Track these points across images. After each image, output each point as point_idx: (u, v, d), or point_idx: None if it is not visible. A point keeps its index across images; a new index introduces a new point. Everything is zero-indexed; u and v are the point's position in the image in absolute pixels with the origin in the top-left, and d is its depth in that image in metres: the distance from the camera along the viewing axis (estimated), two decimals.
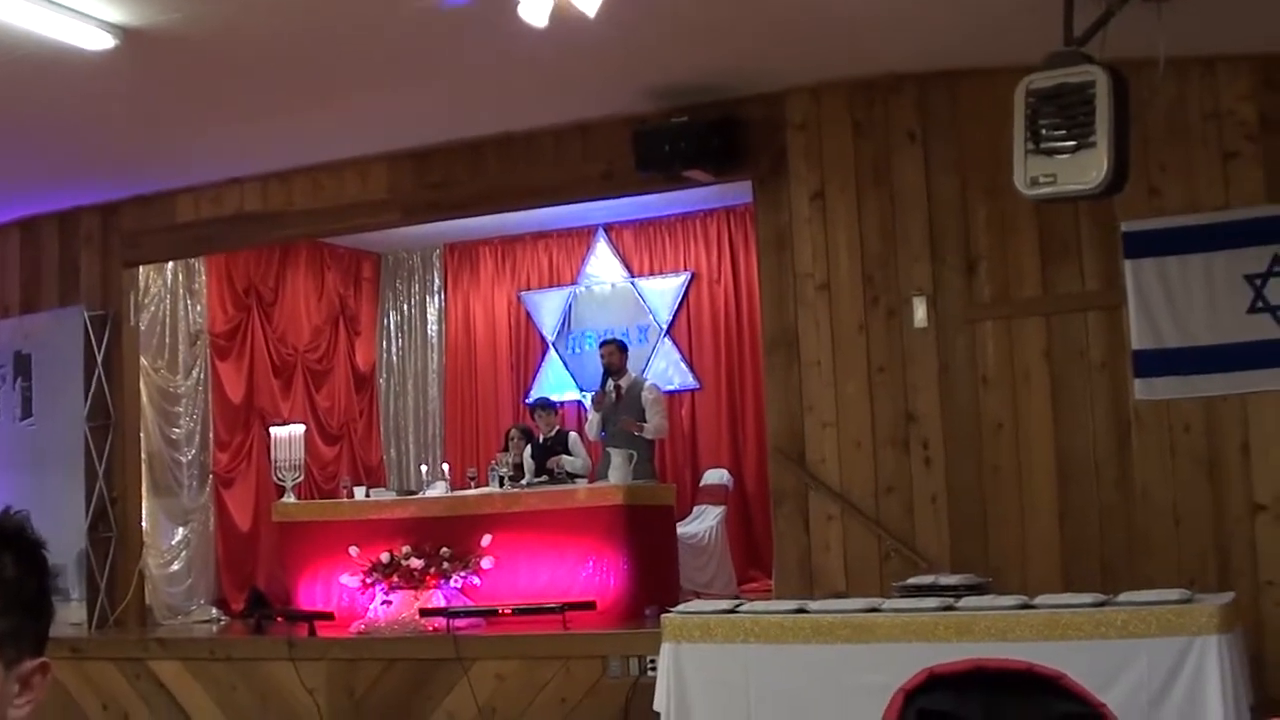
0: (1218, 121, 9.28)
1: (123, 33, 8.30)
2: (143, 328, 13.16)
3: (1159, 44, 7.86)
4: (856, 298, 10.20)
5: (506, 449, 13.29)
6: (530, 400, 14.75)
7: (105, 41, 8.34)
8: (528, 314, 15.99)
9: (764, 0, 8.57)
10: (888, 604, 7.78)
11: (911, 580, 8.30)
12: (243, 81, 9.64)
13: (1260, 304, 9.04)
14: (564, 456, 12.75)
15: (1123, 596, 7.30)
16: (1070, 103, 7.53)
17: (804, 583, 10.12)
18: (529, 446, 13.27)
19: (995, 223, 9.83)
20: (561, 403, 14.44)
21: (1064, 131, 7.55)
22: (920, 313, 10.02)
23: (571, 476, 12.36)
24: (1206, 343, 9.21)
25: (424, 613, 10.83)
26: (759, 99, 10.49)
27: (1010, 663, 7.12)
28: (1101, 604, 7.20)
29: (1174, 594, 7.19)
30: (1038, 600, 7.42)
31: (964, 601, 7.58)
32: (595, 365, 13.45)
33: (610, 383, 12.55)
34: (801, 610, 7.84)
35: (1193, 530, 9.20)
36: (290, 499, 12.43)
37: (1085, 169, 7.52)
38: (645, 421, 12.31)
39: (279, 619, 11.72)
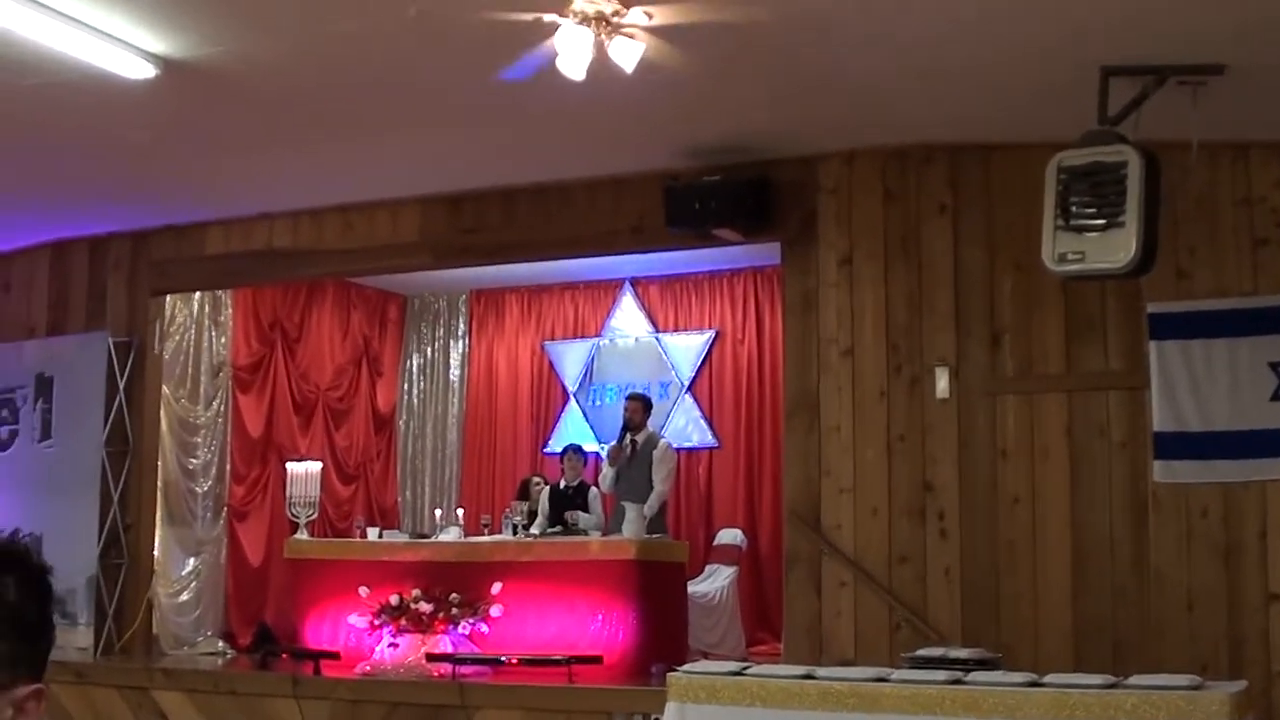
0: (1249, 208, 9.28)
1: (163, 63, 8.35)
2: (166, 357, 13.19)
3: (1193, 128, 7.88)
4: (879, 365, 10.20)
5: (524, 497, 13.22)
6: (560, 447, 14.65)
7: (145, 71, 8.39)
8: (550, 364, 15.98)
9: (800, 66, 8.60)
10: (896, 674, 7.72)
11: (921, 651, 8.24)
12: (279, 117, 9.69)
13: None
14: (580, 514, 12.70)
15: (1133, 679, 7.24)
16: (1102, 181, 7.55)
17: (813, 648, 10.08)
18: (548, 490, 13.24)
19: (1021, 297, 9.82)
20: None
21: (1094, 210, 7.57)
22: (943, 383, 10.00)
23: (584, 532, 12.32)
24: (1228, 428, 9.17)
25: (430, 657, 10.79)
26: (792, 162, 10.51)
27: None
28: (1111, 686, 7.14)
29: (1184, 680, 7.13)
30: (1047, 679, 7.37)
31: (973, 676, 7.52)
32: (615, 418, 13.43)
33: (627, 437, 12.52)
34: (809, 676, 7.79)
35: (1207, 616, 9.14)
36: (303, 536, 12.41)
37: (1114, 248, 7.53)
38: (651, 478, 12.25)
39: (285, 655, 11.69)
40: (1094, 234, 7.61)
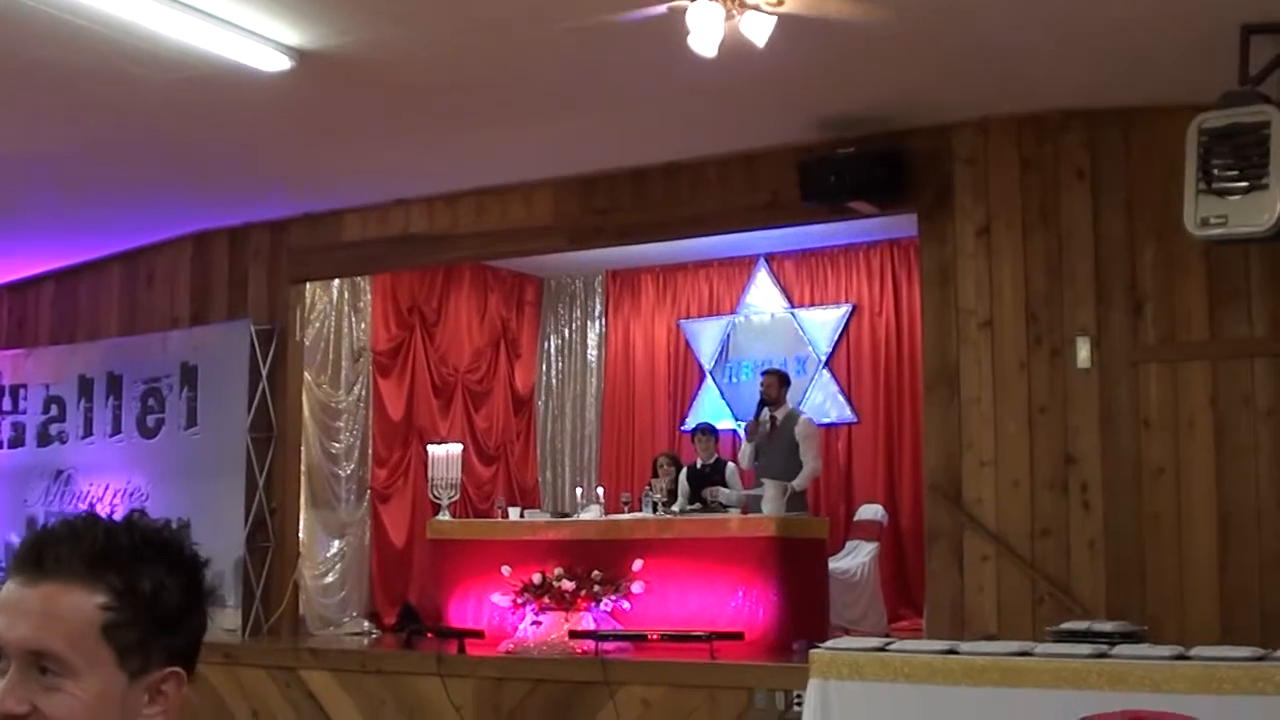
0: None
1: (298, 55, 8.47)
2: (307, 343, 13.36)
3: None
4: (1019, 336, 10.08)
5: (656, 475, 13.25)
6: (691, 426, 14.68)
7: (281, 63, 8.52)
8: (687, 342, 15.98)
9: (933, 33, 8.52)
10: (1040, 648, 7.64)
11: (1065, 625, 8.16)
12: (413, 105, 9.77)
13: None
14: (720, 489, 12.69)
15: None
16: (1244, 143, 7.42)
17: (956, 623, 10.00)
18: (685, 470, 13.25)
19: (1163, 264, 9.66)
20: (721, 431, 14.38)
21: (1236, 172, 7.44)
22: (1084, 353, 9.87)
23: (725, 507, 12.31)
24: None
25: (573, 635, 10.84)
26: (926, 131, 10.41)
27: (1164, 716, 6.96)
28: (1260, 658, 7.01)
29: None
30: (1194, 652, 7.25)
31: (1118, 649, 7.42)
32: (751, 395, 13.37)
33: (765, 413, 12.46)
34: (952, 651, 7.72)
35: None
36: (445, 517, 12.50)
37: (1257, 211, 7.40)
38: (799, 455, 12.17)
39: (429, 635, 11.81)
40: (1236, 197, 7.48)
